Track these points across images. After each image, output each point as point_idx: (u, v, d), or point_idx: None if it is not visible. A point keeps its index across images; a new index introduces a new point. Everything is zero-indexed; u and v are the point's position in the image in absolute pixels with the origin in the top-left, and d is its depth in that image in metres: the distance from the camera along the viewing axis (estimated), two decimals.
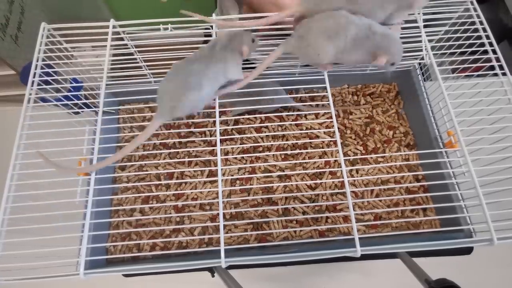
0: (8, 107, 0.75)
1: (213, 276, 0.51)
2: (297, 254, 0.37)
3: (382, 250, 0.37)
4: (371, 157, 0.59)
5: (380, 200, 0.56)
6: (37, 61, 0.44)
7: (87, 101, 0.49)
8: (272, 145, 0.60)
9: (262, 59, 0.46)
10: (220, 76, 0.43)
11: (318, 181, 0.53)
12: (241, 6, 0.66)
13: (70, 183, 0.42)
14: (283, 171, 0.58)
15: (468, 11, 0.47)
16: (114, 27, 0.46)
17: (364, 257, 0.36)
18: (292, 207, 0.55)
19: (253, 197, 0.55)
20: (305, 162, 0.59)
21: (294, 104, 0.60)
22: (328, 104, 0.44)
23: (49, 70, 0.45)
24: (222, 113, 0.60)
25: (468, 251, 0.58)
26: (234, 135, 0.61)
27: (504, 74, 0.45)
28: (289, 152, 0.56)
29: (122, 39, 0.48)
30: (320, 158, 0.59)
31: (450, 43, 0.48)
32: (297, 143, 0.60)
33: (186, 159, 0.53)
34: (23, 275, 0.35)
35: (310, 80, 0.60)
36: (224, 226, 0.54)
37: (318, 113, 0.63)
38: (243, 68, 0.48)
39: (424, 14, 0.47)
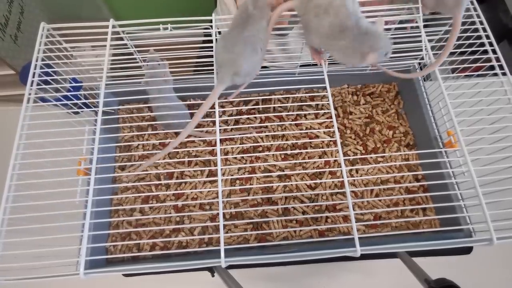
0: (7, 107, 0.75)
1: (213, 276, 0.51)
2: (297, 254, 0.37)
3: (382, 250, 0.37)
4: (371, 157, 0.59)
5: (380, 200, 0.56)
6: (37, 61, 0.44)
7: (86, 101, 0.49)
8: (272, 145, 0.60)
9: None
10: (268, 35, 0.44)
11: (318, 181, 0.53)
12: None
13: (70, 183, 0.42)
14: (283, 171, 0.58)
15: (468, 11, 0.47)
16: (113, 27, 0.46)
17: (364, 256, 0.36)
18: (292, 207, 0.55)
19: (253, 197, 0.55)
20: (305, 162, 0.59)
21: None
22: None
23: (49, 70, 0.45)
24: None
25: (467, 250, 0.58)
26: (234, 135, 0.61)
27: (504, 74, 0.45)
28: (289, 152, 0.56)
29: (121, 39, 0.48)
30: (320, 158, 0.59)
31: None
32: (297, 143, 0.60)
33: (186, 159, 0.53)
34: (23, 275, 0.35)
35: (310, 80, 0.60)
36: (224, 226, 0.54)
37: (318, 113, 0.63)
38: None
39: (424, 14, 0.47)
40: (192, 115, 0.63)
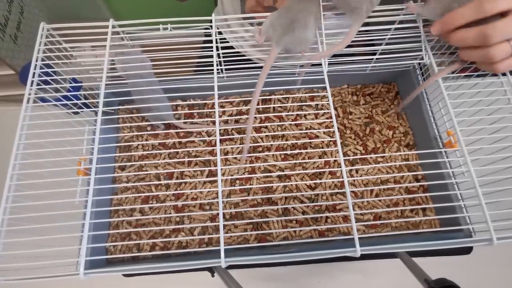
0: (7, 107, 0.75)
1: (213, 276, 0.51)
2: (297, 254, 0.37)
3: (382, 250, 0.37)
4: (371, 157, 0.59)
5: (380, 200, 0.56)
6: (37, 61, 0.44)
7: (86, 101, 0.49)
8: (271, 145, 0.60)
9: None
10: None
11: (318, 181, 0.53)
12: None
13: (70, 183, 0.42)
14: (283, 171, 0.58)
15: None
16: (113, 27, 0.46)
17: (364, 257, 0.36)
18: (292, 207, 0.55)
19: (252, 197, 0.55)
20: (305, 162, 0.59)
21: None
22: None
23: (49, 70, 0.45)
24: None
25: (467, 251, 0.58)
26: (234, 135, 0.61)
27: (504, 74, 0.45)
28: (288, 152, 0.56)
29: (121, 39, 0.48)
30: (319, 158, 0.59)
31: None
32: (296, 143, 0.60)
33: (186, 159, 0.53)
34: (23, 275, 0.35)
35: (310, 80, 0.60)
36: (224, 226, 0.54)
37: (318, 113, 0.63)
38: (242, 68, 0.49)
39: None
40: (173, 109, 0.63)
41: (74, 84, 0.56)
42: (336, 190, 0.54)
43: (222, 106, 0.63)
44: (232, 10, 0.71)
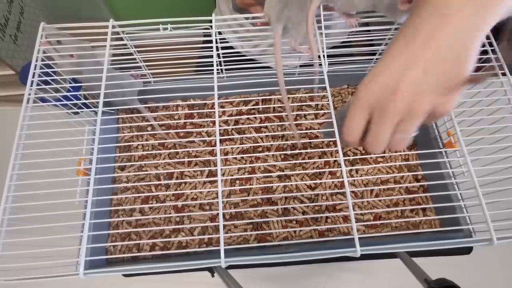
0: (7, 107, 0.75)
1: (213, 276, 0.51)
2: (297, 254, 0.37)
3: (382, 250, 0.37)
4: (371, 157, 0.59)
5: (380, 200, 0.56)
6: (36, 61, 0.44)
7: (86, 101, 0.49)
8: (271, 145, 0.60)
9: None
10: None
11: (318, 181, 0.53)
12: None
13: (70, 183, 0.42)
14: (283, 171, 0.58)
15: None
16: (113, 27, 0.46)
17: (364, 257, 0.36)
18: (292, 207, 0.55)
19: (252, 197, 0.55)
20: (305, 162, 0.59)
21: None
22: None
23: (49, 70, 0.45)
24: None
25: (467, 251, 0.58)
26: (234, 135, 0.61)
27: (504, 74, 0.45)
28: (288, 152, 0.56)
29: (121, 39, 0.48)
30: (319, 158, 0.59)
31: None
32: (296, 143, 0.60)
33: (186, 159, 0.53)
34: (23, 275, 0.35)
35: (310, 80, 0.60)
36: (224, 226, 0.54)
37: (318, 113, 0.63)
38: (242, 68, 0.49)
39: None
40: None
41: (74, 84, 0.56)
42: (336, 190, 0.54)
43: (222, 106, 0.63)
44: (226, 8, 0.71)
